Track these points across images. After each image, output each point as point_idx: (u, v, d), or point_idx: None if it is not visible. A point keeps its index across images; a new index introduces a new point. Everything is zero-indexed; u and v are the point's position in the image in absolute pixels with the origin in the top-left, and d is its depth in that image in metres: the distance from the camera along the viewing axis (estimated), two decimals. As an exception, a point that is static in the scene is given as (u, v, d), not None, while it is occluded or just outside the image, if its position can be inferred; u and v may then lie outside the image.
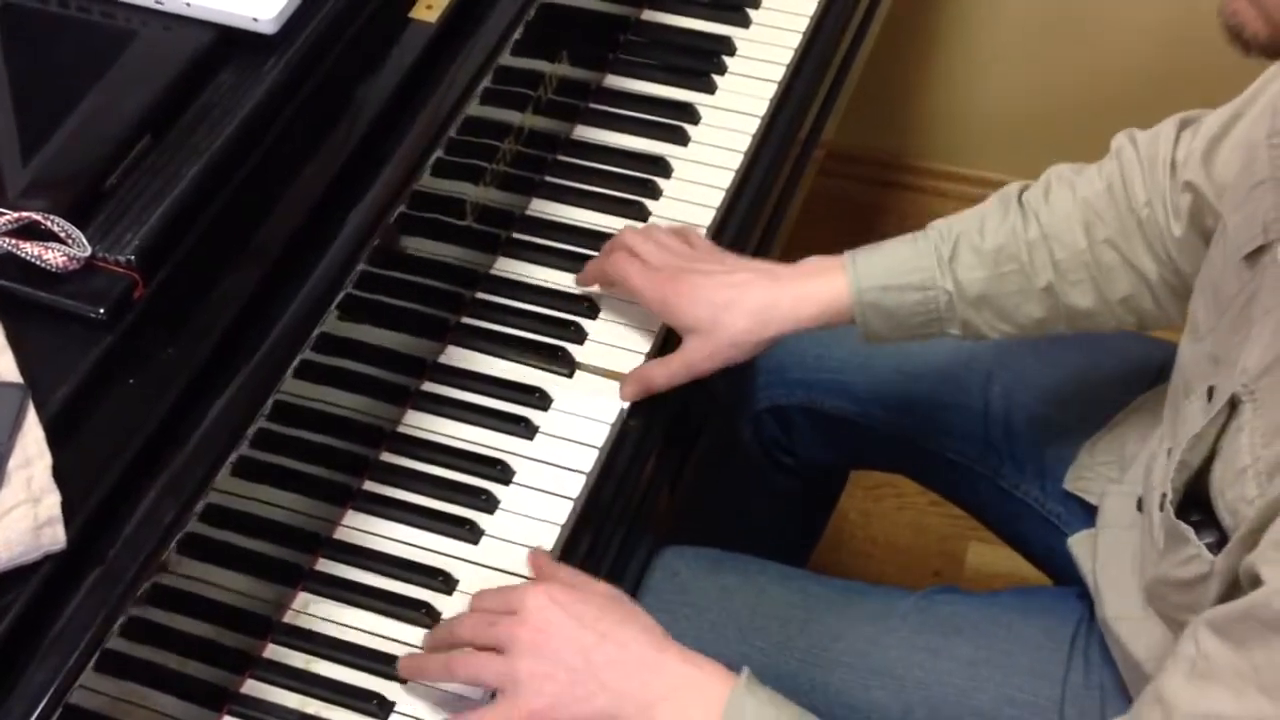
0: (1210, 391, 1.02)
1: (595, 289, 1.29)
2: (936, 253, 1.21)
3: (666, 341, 1.26)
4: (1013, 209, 1.22)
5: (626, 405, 1.22)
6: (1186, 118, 1.20)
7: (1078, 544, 1.23)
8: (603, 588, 1.08)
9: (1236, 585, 0.93)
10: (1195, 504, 1.01)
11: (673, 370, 1.22)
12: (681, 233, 1.29)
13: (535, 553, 1.13)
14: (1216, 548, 0.97)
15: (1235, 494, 0.96)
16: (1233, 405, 0.98)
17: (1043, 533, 1.33)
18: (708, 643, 1.21)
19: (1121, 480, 1.23)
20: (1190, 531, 1.00)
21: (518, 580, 1.12)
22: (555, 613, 1.03)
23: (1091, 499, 1.26)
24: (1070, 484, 1.29)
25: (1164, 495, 1.03)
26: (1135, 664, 1.11)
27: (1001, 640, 1.21)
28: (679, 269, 1.23)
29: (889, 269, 1.21)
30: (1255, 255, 1.02)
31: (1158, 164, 1.18)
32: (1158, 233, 1.18)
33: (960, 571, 1.97)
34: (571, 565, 1.15)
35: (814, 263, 1.24)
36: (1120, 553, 1.17)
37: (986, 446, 1.36)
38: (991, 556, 1.90)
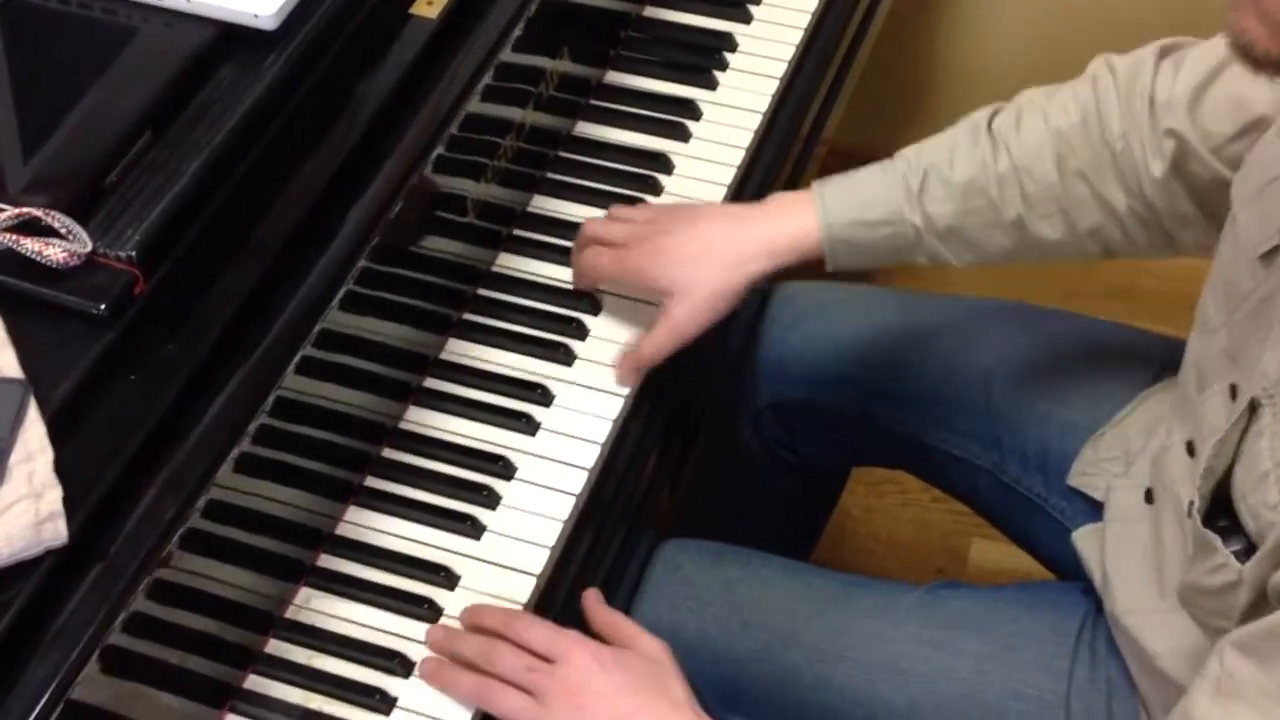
0: (1234, 390, 1.01)
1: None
2: (905, 184, 1.20)
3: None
4: (983, 138, 1.21)
5: (629, 405, 1.22)
6: (1167, 46, 1.18)
7: (1082, 538, 1.23)
8: (646, 647, 1.08)
9: (1265, 595, 0.92)
10: (1220, 508, 1.00)
11: (659, 340, 1.21)
12: (639, 207, 1.29)
13: (591, 595, 1.13)
14: (1244, 555, 0.96)
15: (1257, 499, 0.95)
16: (1252, 408, 0.97)
17: (1046, 528, 1.33)
18: (711, 637, 1.22)
19: (1127, 475, 1.23)
20: (1217, 540, 0.98)
21: (518, 576, 1.13)
22: (596, 675, 1.04)
23: (1096, 494, 1.26)
24: (1074, 480, 1.29)
25: (1191, 503, 1.02)
26: (1147, 657, 1.11)
27: (1007, 635, 1.21)
28: (643, 238, 1.23)
29: (859, 203, 1.21)
30: (1270, 255, 1.01)
31: (1135, 96, 1.16)
32: (1132, 166, 1.17)
33: (963, 568, 1.96)
34: (572, 563, 1.15)
35: (780, 199, 1.24)
36: (1129, 546, 1.16)
37: (988, 442, 1.36)
38: (995, 553, 1.89)
